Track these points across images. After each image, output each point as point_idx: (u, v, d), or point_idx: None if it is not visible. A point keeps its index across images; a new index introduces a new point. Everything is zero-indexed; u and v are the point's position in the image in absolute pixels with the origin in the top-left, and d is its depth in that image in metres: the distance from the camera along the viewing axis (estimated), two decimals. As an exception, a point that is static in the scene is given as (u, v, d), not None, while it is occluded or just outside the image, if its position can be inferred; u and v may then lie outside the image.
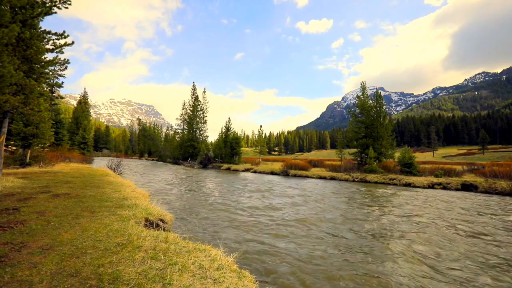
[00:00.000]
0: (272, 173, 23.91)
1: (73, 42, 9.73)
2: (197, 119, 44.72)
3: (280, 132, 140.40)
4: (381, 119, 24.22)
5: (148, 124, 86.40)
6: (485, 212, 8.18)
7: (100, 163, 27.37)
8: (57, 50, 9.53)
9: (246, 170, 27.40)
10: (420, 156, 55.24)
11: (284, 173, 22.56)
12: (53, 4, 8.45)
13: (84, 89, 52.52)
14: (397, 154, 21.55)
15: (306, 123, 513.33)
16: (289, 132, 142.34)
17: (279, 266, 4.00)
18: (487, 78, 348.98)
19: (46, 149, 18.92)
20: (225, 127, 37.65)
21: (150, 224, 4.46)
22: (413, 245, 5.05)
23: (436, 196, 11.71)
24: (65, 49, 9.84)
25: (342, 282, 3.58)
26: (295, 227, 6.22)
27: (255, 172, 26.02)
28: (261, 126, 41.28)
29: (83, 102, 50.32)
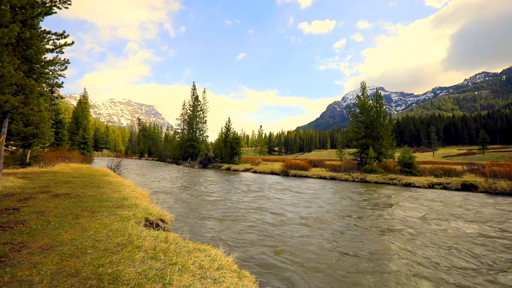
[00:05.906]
0: (272, 173, 23.91)
1: (73, 42, 9.73)
2: (197, 119, 44.74)
3: (280, 132, 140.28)
4: (381, 119, 24.18)
5: (148, 124, 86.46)
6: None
7: (100, 163, 27.39)
8: (57, 50, 9.54)
9: (246, 170, 27.39)
10: (420, 156, 55.19)
11: (284, 173, 22.55)
12: (53, 4, 8.46)
13: (84, 89, 52.38)
14: (397, 154, 21.52)
15: (306, 123, 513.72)
16: (289, 132, 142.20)
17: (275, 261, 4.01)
18: (487, 78, 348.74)
19: (46, 149, 18.94)
20: (225, 127, 37.59)
21: (150, 224, 4.46)
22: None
23: (443, 197, 11.70)
24: (67, 49, 9.87)
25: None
26: (293, 226, 6.23)
27: (255, 172, 26.01)
28: (261, 126, 41.25)
29: (83, 102, 50.24)
